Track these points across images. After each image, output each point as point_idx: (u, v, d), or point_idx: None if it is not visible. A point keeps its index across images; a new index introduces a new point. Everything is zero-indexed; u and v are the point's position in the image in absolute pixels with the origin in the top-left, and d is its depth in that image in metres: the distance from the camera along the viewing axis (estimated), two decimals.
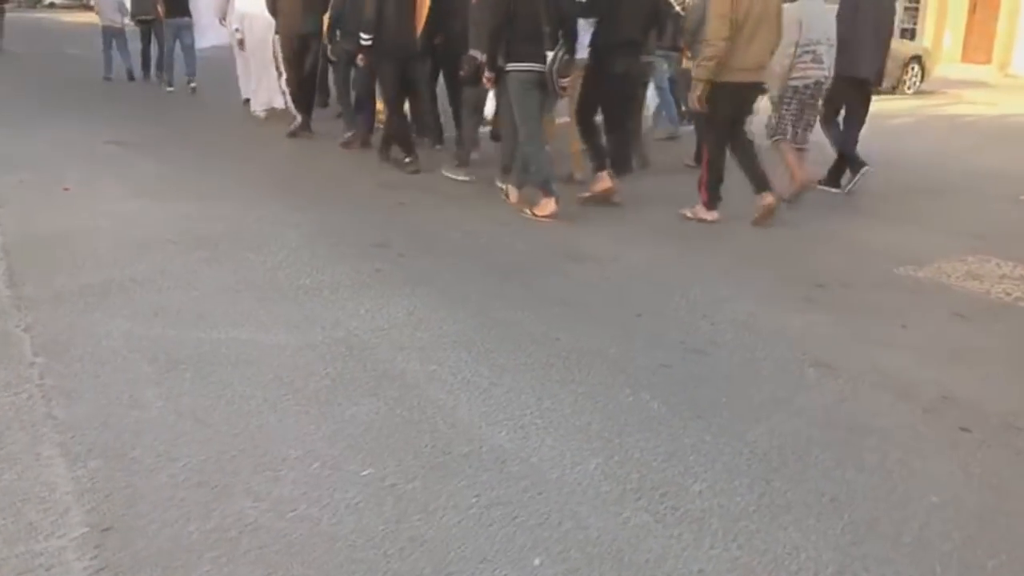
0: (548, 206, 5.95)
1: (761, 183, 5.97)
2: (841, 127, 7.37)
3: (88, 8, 18.17)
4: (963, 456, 2.95)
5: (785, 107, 6.58)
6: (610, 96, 6.55)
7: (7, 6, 19.13)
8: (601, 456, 2.81)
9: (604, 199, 6.38)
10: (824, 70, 6.54)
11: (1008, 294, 4.77)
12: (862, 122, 7.37)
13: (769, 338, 3.96)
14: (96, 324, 3.72)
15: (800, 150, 6.74)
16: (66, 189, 6.19)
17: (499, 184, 6.54)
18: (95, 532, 2.30)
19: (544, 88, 5.90)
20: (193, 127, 9.69)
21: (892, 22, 7.69)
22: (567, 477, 2.68)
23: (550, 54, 5.77)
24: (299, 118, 8.97)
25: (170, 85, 12.60)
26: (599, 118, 6.74)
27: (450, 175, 7.13)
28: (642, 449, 2.87)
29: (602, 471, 2.73)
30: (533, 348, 3.69)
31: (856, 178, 7.22)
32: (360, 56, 7.48)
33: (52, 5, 36.11)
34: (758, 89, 6.04)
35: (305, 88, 9.04)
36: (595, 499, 2.57)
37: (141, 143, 8.21)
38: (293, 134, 8.91)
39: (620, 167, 6.64)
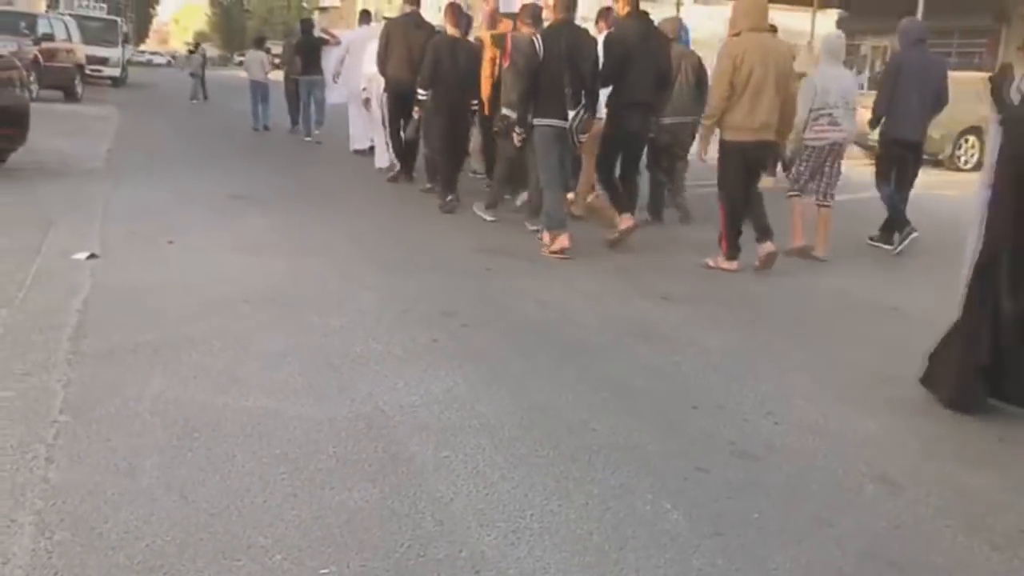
0: (562, 242, 6.55)
1: (764, 232, 6.44)
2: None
3: (277, 67, 19.61)
4: None
5: (804, 164, 7.06)
6: (624, 151, 7.16)
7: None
8: (590, 574, 2.52)
9: (627, 236, 6.97)
10: (842, 132, 6.93)
11: None
12: (910, 184, 7.70)
13: (835, 445, 3.55)
14: (131, 384, 3.73)
15: (823, 206, 7.11)
16: (170, 242, 6.39)
17: (530, 227, 7.44)
18: None
19: (564, 141, 6.70)
20: (315, 181, 10.08)
21: (942, 85, 7.52)
22: None
23: (571, 112, 6.54)
24: (397, 165, 10.09)
25: (308, 136, 13.83)
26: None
27: (479, 213, 8.01)
28: (639, 569, 2.56)
29: None
30: (563, 438, 3.43)
31: (905, 240, 7.37)
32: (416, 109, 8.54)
33: (240, 63, 38.89)
34: (766, 147, 6.48)
35: (404, 141, 9.77)
36: None
37: (260, 197, 8.49)
38: (393, 179, 10.03)
39: (628, 208, 7.15)
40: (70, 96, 19.13)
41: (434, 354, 4.33)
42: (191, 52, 21.65)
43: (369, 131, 11.30)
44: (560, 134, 6.64)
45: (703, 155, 6.61)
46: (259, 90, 15.41)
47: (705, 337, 4.91)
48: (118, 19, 28.82)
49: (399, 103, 9.46)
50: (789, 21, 20.94)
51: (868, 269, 7.22)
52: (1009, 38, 22.70)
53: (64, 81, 19.05)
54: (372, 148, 11.41)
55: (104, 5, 30.47)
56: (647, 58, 6.76)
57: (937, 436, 3.72)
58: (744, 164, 6.40)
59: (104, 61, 25.28)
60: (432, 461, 3.18)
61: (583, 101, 6.65)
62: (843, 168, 7.42)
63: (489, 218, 7.91)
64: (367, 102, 10.76)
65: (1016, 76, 4.13)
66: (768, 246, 6.41)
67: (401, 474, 3.06)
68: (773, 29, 7.27)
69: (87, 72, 22.65)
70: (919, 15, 17.15)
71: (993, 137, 4.11)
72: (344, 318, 4.81)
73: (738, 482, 3.16)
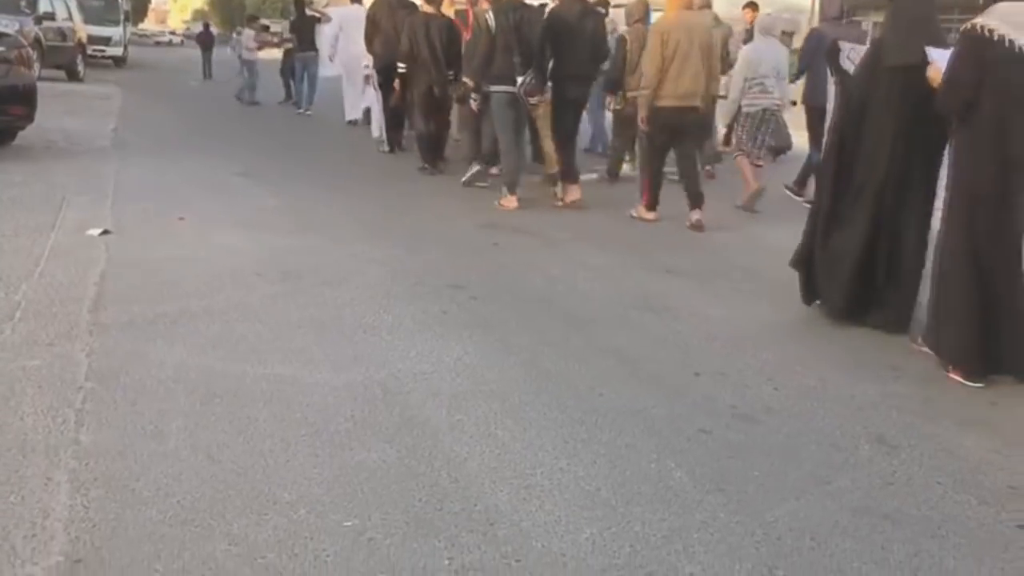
0: (511, 202, 7.58)
1: (695, 200, 7.17)
2: None
3: (274, 45, 20.25)
4: (1011, 557, 2.63)
5: (741, 128, 7.97)
6: (567, 116, 7.88)
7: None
8: (598, 526, 2.66)
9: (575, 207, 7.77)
10: (773, 99, 7.82)
11: None
12: None
13: (833, 408, 3.69)
14: (153, 353, 3.86)
15: (756, 165, 7.98)
16: (181, 219, 6.49)
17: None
18: (67, 562, 2.35)
19: (517, 105, 7.50)
20: (319, 158, 10.29)
21: None
22: (553, 546, 2.55)
23: (520, 78, 7.35)
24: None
25: (301, 109, 14.94)
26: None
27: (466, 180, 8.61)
28: (645, 522, 2.70)
29: (593, 542, 2.58)
30: (572, 403, 3.57)
31: None
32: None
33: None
34: (691, 112, 7.03)
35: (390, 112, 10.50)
36: (574, 573, 2.43)
37: (265, 174, 8.59)
38: (390, 151, 10.66)
39: (572, 176, 7.93)
40: (72, 76, 19.15)
41: (444, 325, 4.46)
42: (238, 33, 21.69)
43: (361, 103, 12.26)
44: (513, 100, 7.46)
45: (645, 122, 7.17)
46: (249, 67, 16.44)
47: (707, 308, 5.03)
48: None
49: (388, 79, 9.90)
50: None
51: None
52: None
53: (66, 61, 19.06)
54: (368, 119, 11.85)
55: None
56: (584, 34, 7.59)
57: (931, 399, 3.85)
58: (670, 128, 7.07)
59: (106, 41, 25.23)
60: (446, 424, 3.31)
61: (530, 68, 7.43)
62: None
63: (482, 184, 8.51)
64: (367, 78, 11.11)
65: (846, 47, 5.03)
66: (696, 214, 7.11)
67: (416, 436, 3.20)
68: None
69: (89, 52, 22.69)
70: None
71: (831, 99, 5.02)
72: (354, 291, 4.93)
73: (739, 443, 3.30)
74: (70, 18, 20.25)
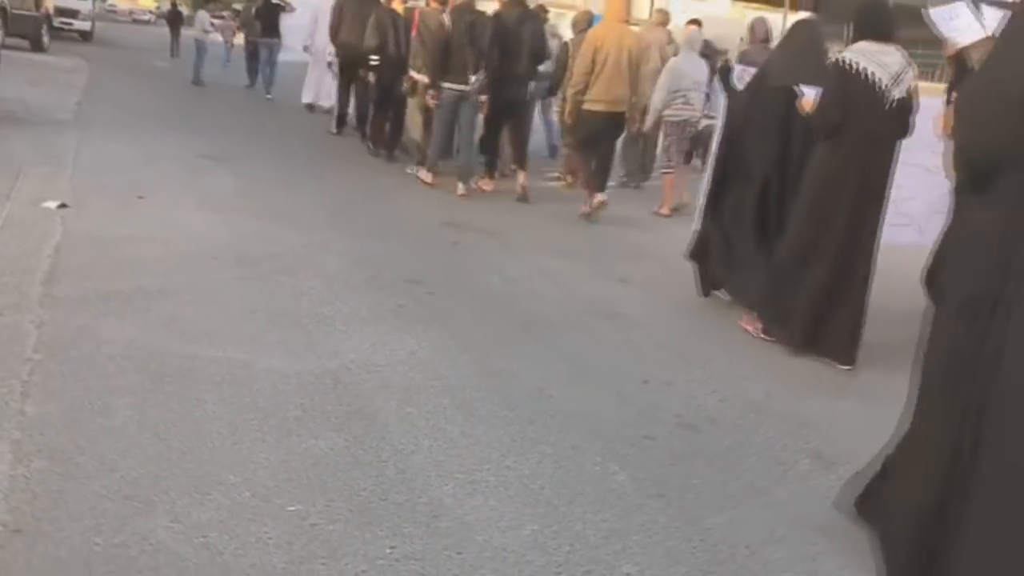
0: (427, 176, 8.36)
1: (599, 186, 7.67)
2: None
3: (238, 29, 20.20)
4: None
5: (667, 139, 8.43)
6: (506, 115, 8.50)
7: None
8: (540, 523, 2.71)
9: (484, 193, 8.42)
10: (694, 110, 8.27)
11: None
12: None
13: (776, 422, 3.77)
14: (105, 329, 3.83)
15: (667, 173, 8.49)
16: (140, 197, 6.44)
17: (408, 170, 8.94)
18: (6, 532, 2.33)
19: (467, 103, 8.05)
20: (283, 143, 10.31)
21: None
22: (494, 541, 2.58)
23: (472, 77, 7.91)
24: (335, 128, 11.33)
25: (268, 93, 15.18)
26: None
27: (410, 172, 8.90)
28: (586, 522, 2.75)
29: (534, 539, 2.62)
30: (522, 403, 3.61)
31: None
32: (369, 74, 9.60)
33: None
34: (618, 116, 7.58)
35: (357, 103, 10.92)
36: (512, 568, 2.47)
37: (228, 157, 8.55)
38: (336, 133, 11.20)
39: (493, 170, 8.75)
40: (36, 46, 18.83)
41: (400, 318, 4.48)
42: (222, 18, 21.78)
43: (318, 89, 13.11)
44: (463, 97, 8.03)
45: (571, 120, 7.88)
46: (200, 48, 16.70)
47: (660, 319, 5.11)
48: None
49: (349, 68, 10.51)
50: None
51: None
52: (970, 53, 23.10)
53: (30, 30, 18.75)
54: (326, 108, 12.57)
55: None
56: (522, 38, 8.20)
57: (876, 419, 3.93)
58: (599, 129, 7.60)
59: (74, 14, 24.80)
60: (395, 416, 3.34)
61: (482, 68, 8.02)
62: None
63: (422, 175, 8.68)
64: (329, 65, 11.80)
65: (738, 68, 5.62)
66: (600, 196, 7.64)
67: (365, 426, 3.22)
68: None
69: (56, 24, 22.31)
70: None
71: (721, 116, 5.55)
72: (312, 280, 4.93)
73: (681, 451, 3.36)
74: None
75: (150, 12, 64.08)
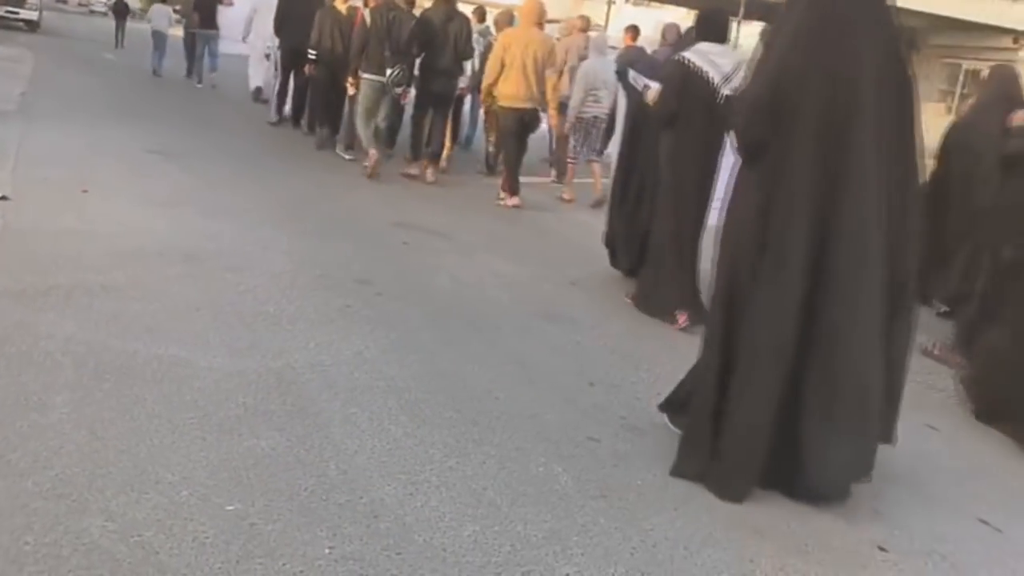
0: (347, 155, 9.38)
1: (513, 187, 8.29)
2: None
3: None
4: (872, 572, 2.78)
5: (577, 134, 8.95)
6: (432, 107, 9.05)
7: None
8: (481, 524, 2.71)
9: (415, 177, 8.93)
10: (603, 108, 8.69)
11: None
12: None
13: None
14: (43, 324, 3.76)
15: (593, 162, 8.96)
16: (85, 191, 6.32)
17: (341, 152, 9.77)
18: None
19: (385, 92, 8.80)
20: (232, 138, 10.23)
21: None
22: (435, 541, 2.58)
23: (389, 70, 8.59)
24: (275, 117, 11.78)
25: (199, 82, 15.57)
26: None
27: (340, 153, 9.77)
28: (527, 522, 2.76)
29: (475, 540, 2.62)
30: (467, 404, 3.61)
31: None
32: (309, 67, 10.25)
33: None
34: (529, 112, 8.24)
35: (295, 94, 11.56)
36: (452, 568, 2.47)
37: (176, 152, 8.43)
38: (275, 124, 11.61)
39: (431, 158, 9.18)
40: None
41: (346, 318, 4.45)
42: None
43: (262, 76, 13.52)
44: (380, 86, 8.74)
45: (489, 121, 9.20)
46: (160, 40, 16.94)
47: (607, 322, 5.14)
48: None
49: (291, 61, 11.11)
50: None
51: None
52: (918, 66, 23.62)
53: None
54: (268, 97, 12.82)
55: None
56: (448, 36, 8.71)
57: None
58: (514, 124, 8.26)
59: (20, 3, 24.26)
60: (339, 416, 3.32)
61: (399, 62, 8.68)
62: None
63: (348, 157, 9.58)
64: (267, 56, 12.62)
65: (631, 72, 6.08)
66: (516, 200, 8.25)
67: (308, 426, 3.19)
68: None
69: (2, 13, 21.81)
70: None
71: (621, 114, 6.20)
72: (258, 278, 4.88)
73: (625, 452, 3.39)
74: None
75: (104, 3, 63.01)
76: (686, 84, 5.04)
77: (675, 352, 4.74)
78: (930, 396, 4.63)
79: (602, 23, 22.08)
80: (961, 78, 22.80)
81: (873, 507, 3.25)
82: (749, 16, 23.27)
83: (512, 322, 4.85)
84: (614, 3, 25.65)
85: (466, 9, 9.69)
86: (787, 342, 2.99)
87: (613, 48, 10.49)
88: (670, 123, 5.14)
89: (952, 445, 4.08)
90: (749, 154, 3.13)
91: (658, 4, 24.47)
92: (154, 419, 3.07)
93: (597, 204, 8.49)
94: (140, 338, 3.79)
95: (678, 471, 3.21)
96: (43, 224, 5.33)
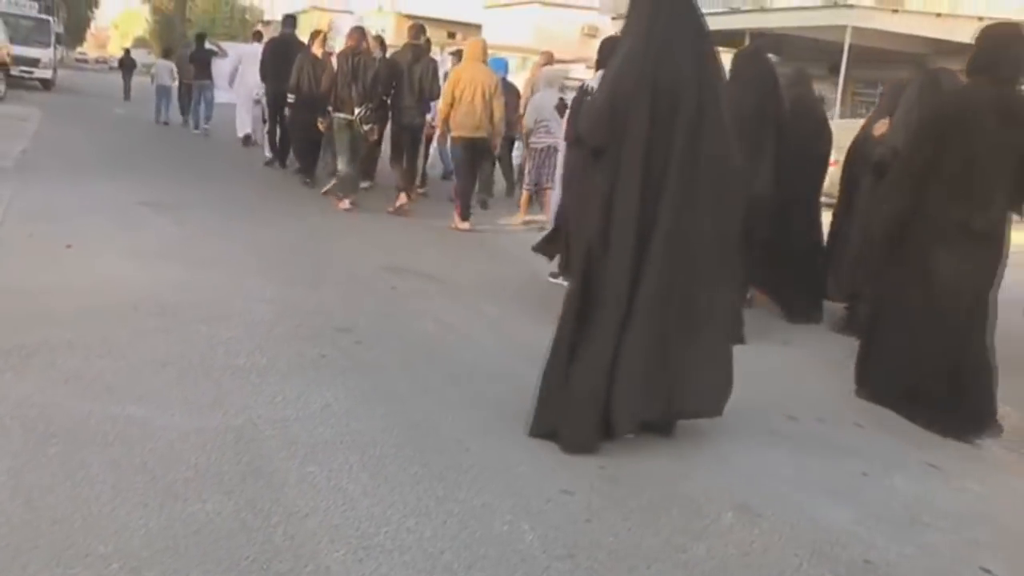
0: (344, 204, 9.33)
1: (464, 212, 8.92)
2: None
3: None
4: None
5: (530, 163, 9.28)
6: (400, 139, 9.98)
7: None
8: None
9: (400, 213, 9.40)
10: (554, 138, 8.69)
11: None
12: None
13: (703, 471, 3.61)
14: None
15: (547, 189, 8.94)
16: (68, 246, 6.24)
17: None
18: None
19: (354, 130, 9.37)
20: (230, 187, 10.35)
21: None
22: None
23: (357, 109, 9.27)
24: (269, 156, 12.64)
25: (196, 128, 16.68)
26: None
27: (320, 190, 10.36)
28: None
29: None
30: (435, 457, 3.43)
31: None
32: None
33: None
34: (481, 141, 8.97)
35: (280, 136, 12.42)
36: None
37: (169, 203, 8.40)
38: (269, 164, 12.47)
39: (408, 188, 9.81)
40: None
41: (319, 369, 4.30)
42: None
43: (250, 123, 14.41)
44: (349, 124, 9.34)
45: (442, 144, 10.09)
46: (164, 92, 18.40)
47: None
48: (50, 19, 28.08)
49: (277, 106, 11.92)
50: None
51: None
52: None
53: None
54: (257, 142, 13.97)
55: (36, 4, 29.75)
56: (414, 76, 9.59)
57: (805, 467, 3.80)
58: (465, 152, 8.99)
59: (35, 62, 24.64)
60: (295, 476, 3.15)
61: (365, 102, 9.37)
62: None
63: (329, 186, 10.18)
64: (257, 102, 13.48)
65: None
66: (466, 224, 8.84)
67: (260, 487, 3.03)
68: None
69: (15, 73, 22.12)
70: (843, 65, 17.79)
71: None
72: (233, 330, 4.75)
73: (599, 506, 3.19)
74: None
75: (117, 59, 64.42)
76: (584, 106, 5.29)
77: None
78: (935, 435, 4.41)
79: None
80: None
81: (864, 557, 3.04)
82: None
83: (494, 367, 4.67)
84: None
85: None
86: (623, 294, 3.62)
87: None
88: (579, 143, 5.13)
89: (953, 485, 3.85)
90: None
91: None
92: (97, 485, 2.92)
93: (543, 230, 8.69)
94: (98, 398, 3.66)
95: (534, 431, 3.69)
96: (21, 281, 5.25)
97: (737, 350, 4.00)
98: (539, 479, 3.35)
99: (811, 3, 23.32)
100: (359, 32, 9.84)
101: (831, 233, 6.59)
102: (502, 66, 11.08)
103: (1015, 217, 4.55)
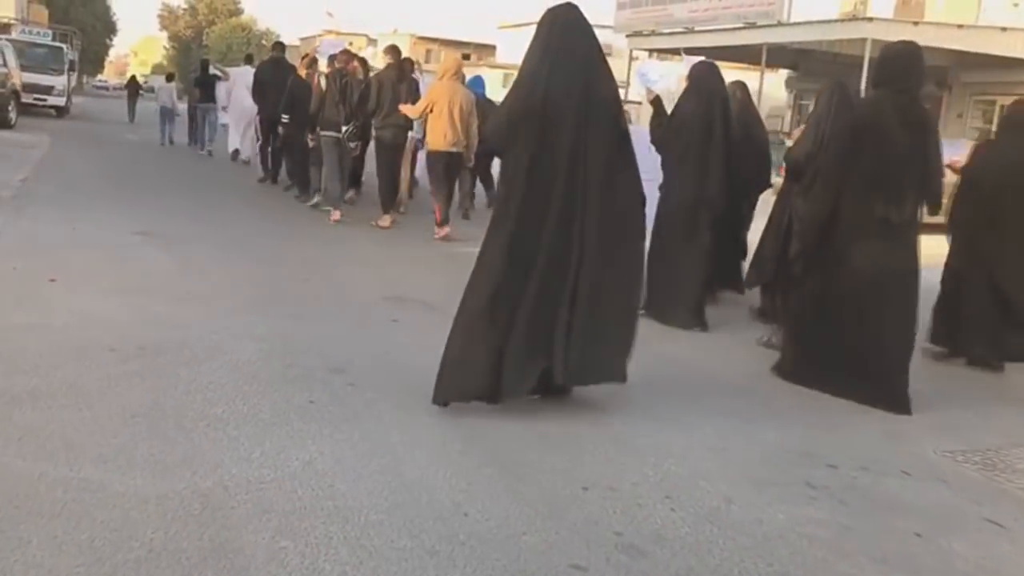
0: (335, 215, 9.86)
1: (444, 219, 9.44)
2: None
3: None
4: None
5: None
6: (385, 155, 10.20)
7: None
8: None
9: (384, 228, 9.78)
10: None
11: None
12: None
13: (735, 537, 3.17)
14: None
15: None
16: (52, 280, 5.88)
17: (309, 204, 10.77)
18: None
19: (341, 147, 9.98)
20: (229, 214, 10.12)
21: None
22: None
23: (344, 127, 9.85)
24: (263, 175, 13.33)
25: (201, 149, 17.47)
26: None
27: (308, 205, 10.85)
28: None
29: None
30: (428, 526, 3.01)
31: None
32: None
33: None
34: (456, 155, 9.23)
35: (272, 155, 13.11)
36: None
37: (166, 232, 8.07)
38: (263, 180, 13.14)
39: (388, 206, 10.15)
40: (2, 123, 18.43)
41: (305, 418, 3.89)
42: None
43: (239, 141, 15.66)
44: (336, 141, 9.90)
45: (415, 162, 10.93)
46: (167, 114, 19.20)
47: (613, 403, 4.50)
48: (63, 46, 27.98)
49: (270, 126, 12.45)
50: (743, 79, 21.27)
51: None
52: (951, 104, 23.05)
53: None
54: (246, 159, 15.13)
55: (50, 32, 29.69)
56: (399, 94, 9.93)
57: (849, 528, 3.36)
58: (441, 165, 9.33)
59: (48, 90, 24.52)
60: (264, 553, 2.73)
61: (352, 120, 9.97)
62: None
63: (314, 200, 10.82)
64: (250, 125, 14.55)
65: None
66: (446, 230, 9.37)
67: (222, 570, 2.61)
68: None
69: (28, 101, 21.99)
70: (863, 79, 17.32)
71: None
72: (215, 373, 4.35)
73: None
74: (4, 64, 19.62)
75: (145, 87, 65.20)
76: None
77: (687, 438, 4.13)
78: (995, 485, 3.95)
79: (623, 78, 21.72)
80: (996, 115, 22.10)
81: None
82: (772, 64, 22.89)
83: (503, 410, 4.21)
84: (636, 59, 25.34)
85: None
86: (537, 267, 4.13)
87: None
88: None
89: (1021, 546, 3.39)
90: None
91: (679, 57, 24.08)
92: (31, 570, 2.52)
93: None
94: (53, 456, 3.26)
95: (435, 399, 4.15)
96: None
97: (759, 393, 3.56)
98: (546, 551, 2.92)
99: (829, 17, 22.98)
100: (346, 55, 10.67)
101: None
102: (480, 84, 11.53)
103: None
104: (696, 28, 23.52)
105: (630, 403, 4.52)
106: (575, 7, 4.24)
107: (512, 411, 4.18)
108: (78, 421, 3.62)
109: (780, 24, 20.90)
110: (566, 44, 4.14)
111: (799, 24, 20.93)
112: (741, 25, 21.81)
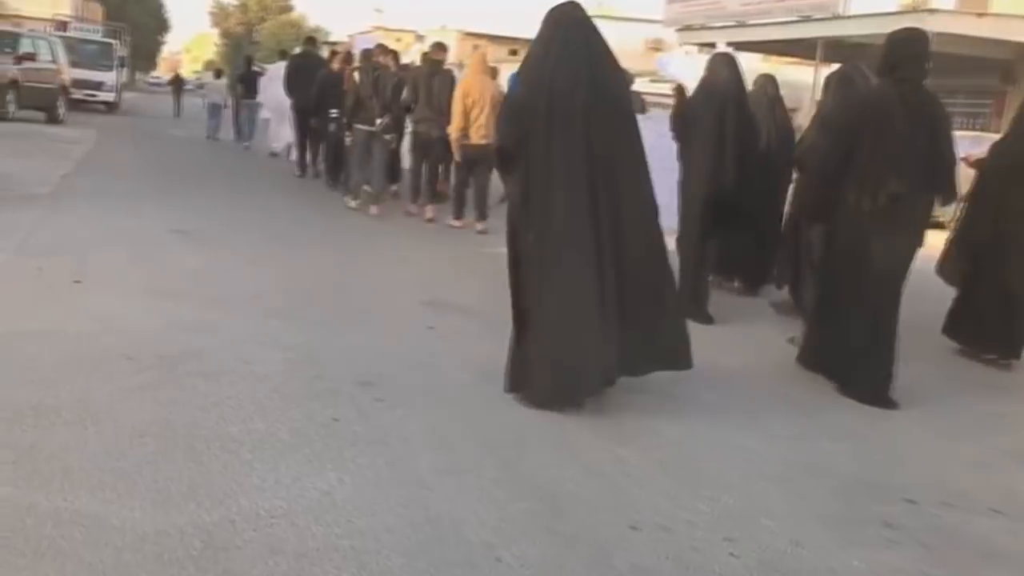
0: (374, 209, 10.05)
1: (482, 214, 9.50)
2: None
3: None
4: None
5: None
6: (422, 152, 10.21)
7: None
8: None
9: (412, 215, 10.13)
10: None
11: None
12: None
13: None
14: None
15: None
16: (77, 282, 5.65)
17: (351, 203, 10.44)
18: None
19: (376, 139, 10.07)
20: (267, 210, 9.94)
21: None
22: None
23: (378, 120, 9.97)
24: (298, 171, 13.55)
25: (247, 143, 17.71)
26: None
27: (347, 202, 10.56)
28: None
29: None
30: (455, 572, 2.66)
31: None
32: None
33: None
34: (485, 148, 8.60)
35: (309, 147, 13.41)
36: None
37: (202, 230, 7.87)
38: (301, 175, 13.35)
39: (430, 200, 10.26)
40: (51, 118, 18.51)
41: (327, 439, 3.56)
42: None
43: (282, 138, 15.41)
44: (370, 134, 10.05)
45: (457, 158, 9.61)
46: (215, 110, 19.80)
47: (663, 424, 4.12)
48: (113, 42, 28.23)
49: (303, 120, 12.78)
50: (797, 75, 20.82)
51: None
52: (1014, 99, 22.12)
53: (45, 102, 18.48)
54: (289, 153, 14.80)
55: (100, 28, 29.95)
56: (432, 88, 9.83)
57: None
58: (471, 158, 9.24)
59: (98, 86, 24.72)
60: None
61: (386, 113, 10.08)
62: None
63: (352, 204, 10.43)
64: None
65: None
66: (480, 224, 9.42)
67: None
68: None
69: (79, 97, 22.13)
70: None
71: None
72: (235, 386, 4.05)
73: None
74: (54, 59, 19.71)
75: (190, 81, 66.11)
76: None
77: (751, 467, 3.73)
78: None
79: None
80: None
81: None
82: (828, 59, 22.17)
83: (541, 433, 3.87)
84: (688, 55, 24.79)
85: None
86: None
87: None
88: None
89: None
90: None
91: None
92: None
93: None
94: (49, 483, 2.98)
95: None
96: (11, 323, 4.66)
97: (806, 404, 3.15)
98: None
99: (888, 9, 22.18)
100: (380, 49, 10.93)
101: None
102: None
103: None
104: (748, 22, 22.87)
105: (673, 416, 4.13)
106: (577, 5, 4.23)
107: (549, 434, 3.81)
108: (81, 441, 3.33)
109: (836, 17, 20.19)
110: (569, 41, 4.15)
111: (857, 17, 20.18)
112: (796, 18, 21.13)
